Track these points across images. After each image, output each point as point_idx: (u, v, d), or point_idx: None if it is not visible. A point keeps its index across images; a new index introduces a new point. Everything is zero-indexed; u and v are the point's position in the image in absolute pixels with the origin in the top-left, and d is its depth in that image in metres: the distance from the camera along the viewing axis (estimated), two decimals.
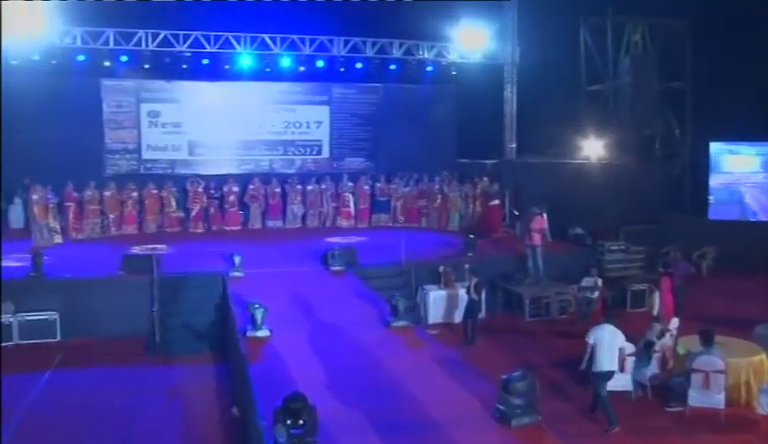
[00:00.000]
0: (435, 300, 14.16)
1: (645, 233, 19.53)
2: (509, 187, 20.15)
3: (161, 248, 15.15)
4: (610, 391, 9.32)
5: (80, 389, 10.73)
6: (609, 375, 9.23)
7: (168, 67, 19.86)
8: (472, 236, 16.21)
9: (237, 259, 14.07)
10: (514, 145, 21.73)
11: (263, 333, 11.28)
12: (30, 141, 19.18)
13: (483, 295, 13.48)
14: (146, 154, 20.80)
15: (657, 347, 10.29)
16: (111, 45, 18.93)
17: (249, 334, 11.20)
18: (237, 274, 13.90)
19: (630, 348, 9.97)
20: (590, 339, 9.29)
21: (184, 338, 12.45)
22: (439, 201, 20.30)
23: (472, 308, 13.08)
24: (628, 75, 22.56)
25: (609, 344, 9.21)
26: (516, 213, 19.60)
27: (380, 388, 9.48)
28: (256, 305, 11.29)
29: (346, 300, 13.27)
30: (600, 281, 14.80)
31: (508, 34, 21.18)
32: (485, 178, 20.00)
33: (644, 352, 10.21)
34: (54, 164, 18.64)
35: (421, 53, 20.99)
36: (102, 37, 18.83)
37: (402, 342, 11.46)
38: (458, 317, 13.75)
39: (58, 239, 17.21)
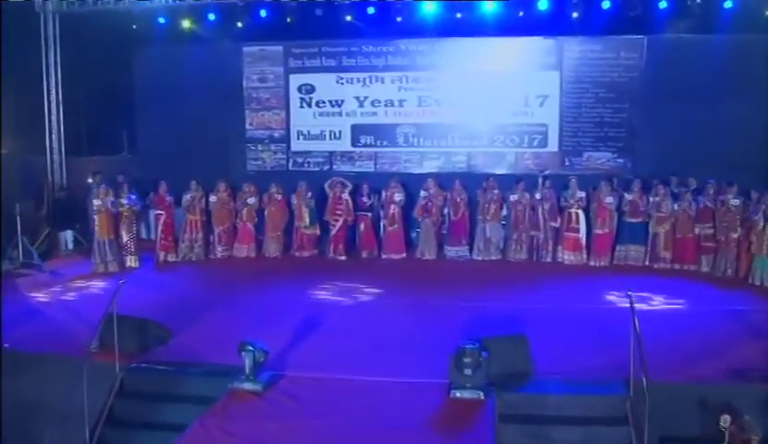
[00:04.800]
0: None
1: None
2: None
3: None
4: None
5: None
6: None
7: (321, 22, 14.43)
8: None
9: (248, 359, 7.11)
10: None
11: None
12: (153, 128, 15.30)
13: None
14: (296, 145, 15.41)
15: None
16: None
17: None
18: (247, 386, 7.15)
19: None
20: None
21: None
22: (736, 229, 11.67)
23: None
24: None
25: None
26: None
27: None
28: None
29: None
30: None
31: None
32: None
33: None
34: (182, 158, 14.47)
35: None
36: None
37: None
38: None
39: (132, 262, 12.48)
